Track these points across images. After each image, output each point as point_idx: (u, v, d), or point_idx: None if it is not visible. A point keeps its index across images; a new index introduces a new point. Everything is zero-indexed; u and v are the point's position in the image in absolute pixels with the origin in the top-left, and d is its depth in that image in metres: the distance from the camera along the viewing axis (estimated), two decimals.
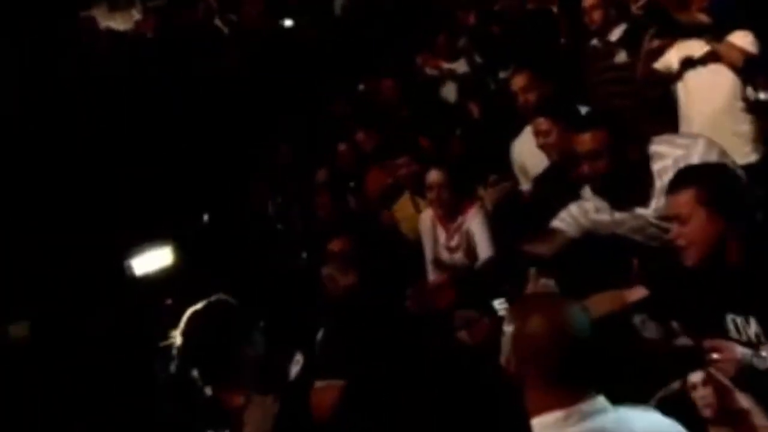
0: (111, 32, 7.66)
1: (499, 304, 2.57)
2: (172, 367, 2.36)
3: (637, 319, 2.55)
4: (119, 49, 7.42)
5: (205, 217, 6.45)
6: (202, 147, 6.65)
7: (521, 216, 3.99)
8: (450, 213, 4.14)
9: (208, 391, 2.31)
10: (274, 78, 7.01)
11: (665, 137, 3.01)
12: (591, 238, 2.99)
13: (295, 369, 2.55)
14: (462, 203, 4.13)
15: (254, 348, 2.36)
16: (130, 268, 5.42)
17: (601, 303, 2.55)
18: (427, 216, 4.31)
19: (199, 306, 2.41)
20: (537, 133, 3.55)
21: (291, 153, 6.21)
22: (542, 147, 3.56)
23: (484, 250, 3.98)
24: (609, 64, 4.69)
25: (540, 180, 3.86)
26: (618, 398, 1.72)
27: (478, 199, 4.28)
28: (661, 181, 2.74)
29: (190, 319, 2.39)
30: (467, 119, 5.79)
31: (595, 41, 4.83)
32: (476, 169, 4.81)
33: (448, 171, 4.11)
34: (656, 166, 2.83)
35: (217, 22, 7.58)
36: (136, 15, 8.19)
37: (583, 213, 3.01)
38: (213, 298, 2.43)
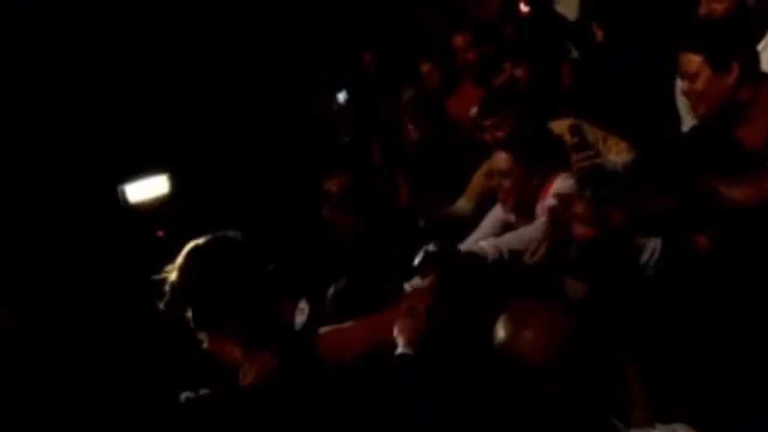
0: None
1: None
2: (162, 305, 2.04)
3: None
4: None
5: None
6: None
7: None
8: (524, 204, 3.12)
9: (203, 338, 2.03)
10: None
11: None
12: None
13: (299, 319, 2.28)
14: (545, 183, 3.05)
15: (258, 293, 2.05)
16: (123, 193, 5.07)
17: None
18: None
19: (201, 240, 2.09)
20: (682, 75, 2.78)
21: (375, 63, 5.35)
22: (687, 94, 2.81)
23: None
24: None
25: (688, 138, 3.06)
26: None
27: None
28: None
29: (190, 252, 2.08)
30: (588, 40, 4.85)
31: None
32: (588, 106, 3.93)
33: (521, 152, 3.09)
34: None
35: None
36: None
37: None
38: (219, 233, 2.11)
